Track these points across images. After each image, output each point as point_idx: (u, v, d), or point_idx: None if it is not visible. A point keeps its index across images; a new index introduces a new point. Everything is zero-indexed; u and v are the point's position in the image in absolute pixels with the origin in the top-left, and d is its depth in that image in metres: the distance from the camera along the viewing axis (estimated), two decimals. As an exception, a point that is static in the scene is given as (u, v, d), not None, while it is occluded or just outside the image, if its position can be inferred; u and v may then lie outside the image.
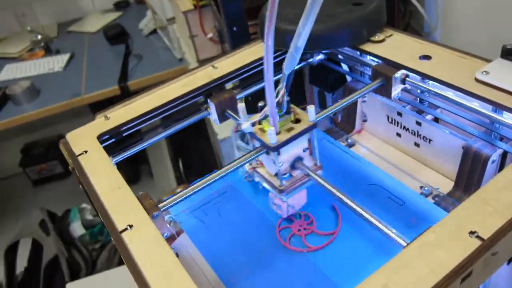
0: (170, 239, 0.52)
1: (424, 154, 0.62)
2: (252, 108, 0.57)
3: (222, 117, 0.57)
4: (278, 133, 0.45)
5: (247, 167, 0.51)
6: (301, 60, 0.64)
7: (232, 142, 0.63)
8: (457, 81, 0.49)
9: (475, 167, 0.52)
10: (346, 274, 0.47)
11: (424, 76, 0.52)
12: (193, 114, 0.58)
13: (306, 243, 0.51)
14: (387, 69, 0.54)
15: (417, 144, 0.62)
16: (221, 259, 0.51)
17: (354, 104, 0.67)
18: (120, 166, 0.49)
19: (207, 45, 1.39)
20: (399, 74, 0.54)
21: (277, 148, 0.44)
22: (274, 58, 0.61)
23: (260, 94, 0.61)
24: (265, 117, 0.45)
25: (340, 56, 0.65)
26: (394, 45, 0.57)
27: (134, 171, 2.29)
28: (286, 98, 0.45)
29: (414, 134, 0.62)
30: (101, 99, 1.67)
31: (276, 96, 0.43)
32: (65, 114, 1.71)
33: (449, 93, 0.51)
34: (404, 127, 0.63)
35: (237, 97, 0.59)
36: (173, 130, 0.57)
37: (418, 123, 0.60)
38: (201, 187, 0.45)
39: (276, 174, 0.49)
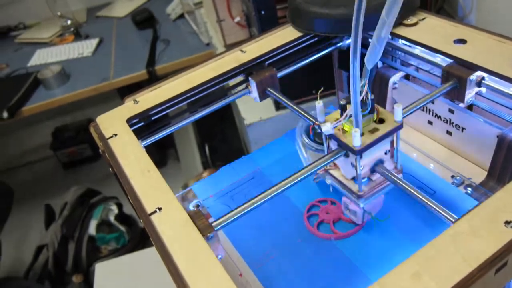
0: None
1: (456, 142, 0.60)
2: (284, 90, 0.57)
3: (263, 95, 0.56)
4: (361, 135, 0.41)
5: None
6: (330, 45, 0.63)
7: (295, 137, 0.60)
8: (493, 66, 0.47)
9: (510, 157, 0.50)
10: (374, 262, 0.47)
11: (459, 61, 0.50)
12: (220, 99, 0.58)
13: (334, 230, 0.51)
14: (461, 70, 0.49)
15: (449, 133, 0.61)
16: (249, 245, 0.51)
17: (385, 90, 0.66)
18: (147, 150, 0.49)
19: (234, 29, 1.39)
20: (475, 76, 0.48)
21: (361, 152, 0.41)
22: (300, 43, 0.60)
23: (288, 77, 0.60)
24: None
25: (370, 40, 0.64)
26: (428, 29, 0.55)
27: (161, 155, 2.33)
28: (370, 96, 0.42)
29: (447, 122, 0.60)
30: (129, 84, 1.68)
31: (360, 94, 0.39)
32: (94, 98, 1.74)
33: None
34: (436, 114, 0.61)
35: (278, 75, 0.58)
36: (200, 115, 0.57)
37: (451, 111, 0.58)
38: (256, 204, 0.41)
39: (353, 178, 0.45)
